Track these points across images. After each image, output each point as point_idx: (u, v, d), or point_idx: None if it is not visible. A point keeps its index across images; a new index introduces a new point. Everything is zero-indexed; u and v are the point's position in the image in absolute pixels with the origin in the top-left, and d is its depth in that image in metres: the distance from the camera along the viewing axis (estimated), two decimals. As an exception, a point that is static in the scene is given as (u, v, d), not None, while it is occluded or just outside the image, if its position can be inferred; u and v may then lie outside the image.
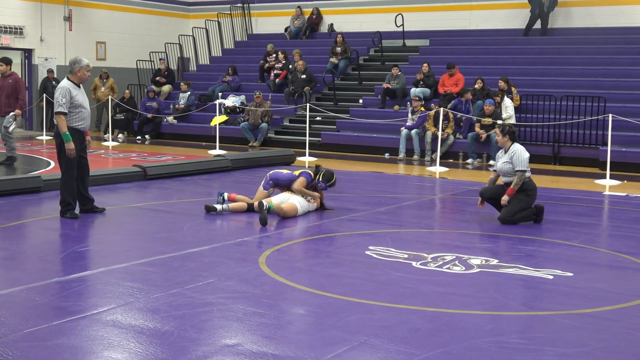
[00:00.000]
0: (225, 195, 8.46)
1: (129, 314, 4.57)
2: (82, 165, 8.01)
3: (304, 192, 8.32)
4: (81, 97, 7.90)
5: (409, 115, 15.37)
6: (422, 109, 15.33)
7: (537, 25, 18.21)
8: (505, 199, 8.01)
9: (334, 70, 18.65)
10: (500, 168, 8.19)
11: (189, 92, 19.06)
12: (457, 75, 16.03)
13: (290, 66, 18.77)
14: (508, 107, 14.61)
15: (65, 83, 7.88)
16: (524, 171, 7.98)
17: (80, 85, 8.00)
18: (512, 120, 14.60)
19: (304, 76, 17.92)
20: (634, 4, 17.73)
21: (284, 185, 8.47)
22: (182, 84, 19.34)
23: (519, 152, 8.02)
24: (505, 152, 8.16)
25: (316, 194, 8.46)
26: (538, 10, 17.99)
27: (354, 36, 20.19)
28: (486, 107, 14.40)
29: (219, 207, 8.20)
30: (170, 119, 18.76)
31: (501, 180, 8.26)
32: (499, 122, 14.30)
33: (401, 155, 15.08)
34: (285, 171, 8.69)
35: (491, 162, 14.12)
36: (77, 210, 7.93)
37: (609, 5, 17.97)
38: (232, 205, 8.27)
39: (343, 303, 4.91)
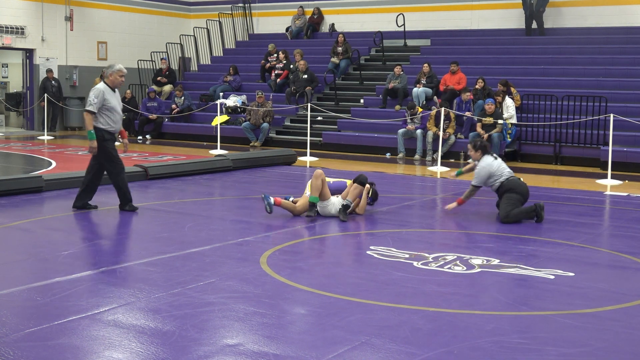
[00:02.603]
0: (272, 200, 8.07)
1: (130, 314, 4.58)
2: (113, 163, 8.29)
3: (354, 196, 8.02)
4: (114, 100, 8.20)
5: (407, 117, 15.32)
6: (420, 109, 15.34)
7: (535, 25, 18.24)
8: (452, 205, 8.41)
9: (335, 70, 18.65)
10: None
11: (182, 97, 19.03)
12: (459, 74, 16.02)
13: (292, 66, 18.77)
14: (509, 107, 14.61)
15: (101, 85, 8.20)
16: (477, 187, 8.27)
17: (116, 90, 8.28)
18: (513, 120, 14.60)
19: (305, 76, 17.92)
20: (635, 3, 17.72)
21: (333, 192, 8.24)
22: (176, 91, 19.26)
23: (480, 167, 8.27)
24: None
25: (363, 203, 8.28)
26: (529, 10, 18.03)
27: (355, 36, 20.19)
28: (487, 107, 14.39)
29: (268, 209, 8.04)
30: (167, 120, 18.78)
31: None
32: (500, 121, 14.29)
33: (400, 154, 15.08)
34: (332, 179, 8.53)
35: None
36: (79, 201, 8.28)
37: (611, 5, 17.96)
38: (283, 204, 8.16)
39: (344, 303, 4.91)
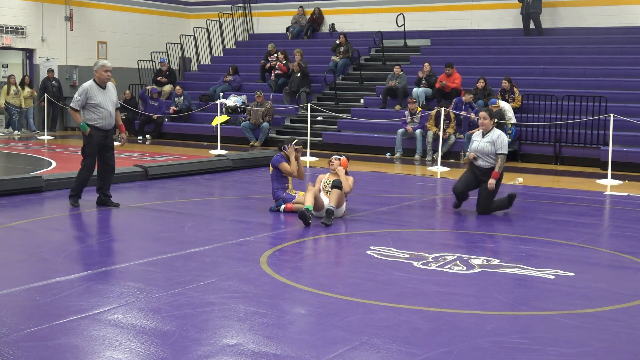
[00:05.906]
0: (282, 207, 8.30)
1: (130, 314, 4.58)
2: (104, 162, 8.47)
3: (336, 200, 7.89)
4: (101, 97, 8.30)
5: (407, 117, 15.32)
6: (419, 109, 15.34)
7: (532, 25, 18.24)
8: (492, 182, 8.35)
9: (335, 69, 18.64)
10: (482, 148, 8.47)
11: (182, 97, 19.04)
12: (455, 75, 16.02)
13: (290, 65, 18.78)
14: (507, 111, 14.53)
15: (87, 83, 8.37)
16: (506, 154, 8.46)
17: (107, 85, 8.40)
18: (513, 121, 14.58)
19: (298, 74, 17.91)
20: (635, 3, 17.71)
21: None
22: (177, 88, 19.29)
23: (503, 136, 8.48)
24: (485, 134, 8.50)
25: (291, 167, 8.37)
26: (525, 10, 18.03)
27: (355, 36, 20.19)
28: (493, 107, 14.32)
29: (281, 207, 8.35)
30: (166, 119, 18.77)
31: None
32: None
33: (397, 154, 15.06)
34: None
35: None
36: (80, 200, 8.46)
37: (610, 5, 17.95)
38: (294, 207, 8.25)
39: (344, 303, 4.91)
